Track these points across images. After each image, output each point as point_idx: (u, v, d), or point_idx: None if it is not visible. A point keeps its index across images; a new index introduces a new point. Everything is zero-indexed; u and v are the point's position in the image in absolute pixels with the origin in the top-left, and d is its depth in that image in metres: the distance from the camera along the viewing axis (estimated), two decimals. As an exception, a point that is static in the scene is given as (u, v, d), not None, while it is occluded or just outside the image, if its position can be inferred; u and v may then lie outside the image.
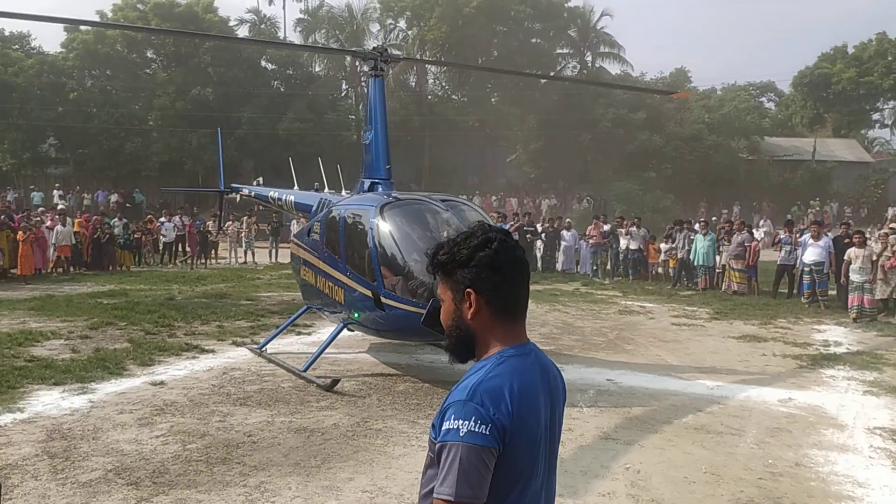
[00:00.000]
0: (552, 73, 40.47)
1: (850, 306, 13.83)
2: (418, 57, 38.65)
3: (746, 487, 5.70)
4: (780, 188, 40.57)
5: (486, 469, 1.75)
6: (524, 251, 2.03)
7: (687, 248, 18.30)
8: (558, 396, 2.03)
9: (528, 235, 20.19)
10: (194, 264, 22.15)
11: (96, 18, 37.22)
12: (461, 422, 1.76)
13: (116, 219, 22.21)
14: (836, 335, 12.40)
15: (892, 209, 34.42)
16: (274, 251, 23.67)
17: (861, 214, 36.53)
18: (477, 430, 1.75)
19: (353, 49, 12.77)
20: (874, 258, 13.75)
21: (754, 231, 19.80)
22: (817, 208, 36.19)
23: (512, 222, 20.90)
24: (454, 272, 1.95)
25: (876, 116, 48.23)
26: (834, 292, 15.42)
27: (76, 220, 21.01)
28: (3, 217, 17.86)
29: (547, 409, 1.93)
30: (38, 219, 19.42)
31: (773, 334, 12.35)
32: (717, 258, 17.60)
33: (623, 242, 19.91)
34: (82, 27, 36.32)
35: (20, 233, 16.97)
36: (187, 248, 23.17)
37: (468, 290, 1.92)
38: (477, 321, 1.93)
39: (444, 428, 1.79)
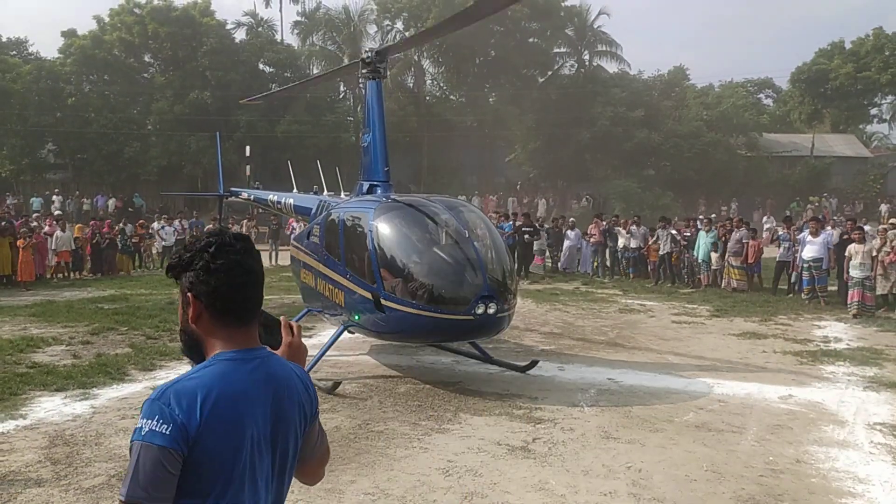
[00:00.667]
0: (549, 74, 40.51)
1: (849, 302, 13.86)
2: (415, 57, 38.68)
3: (747, 485, 5.72)
4: (778, 184, 40.59)
5: (163, 470, 1.72)
6: (252, 255, 1.98)
7: (676, 243, 18.37)
8: (290, 407, 1.98)
9: (526, 236, 20.14)
10: None
11: (93, 23, 37.37)
12: (145, 420, 1.75)
13: (121, 223, 22.33)
14: (837, 331, 12.41)
15: (885, 205, 34.46)
16: (273, 254, 23.69)
17: (857, 209, 36.57)
18: (158, 429, 1.73)
19: (348, 63, 12.84)
20: (874, 254, 13.78)
21: (762, 227, 19.81)
22: (817, 203, 36.20)
23: (512, 222, 20.91)
24: (180, 276, 1.95)
25: (874, 111, 48.24)
26: (834, 288, 15.44)
27: (77, 226, 21.09)
28: (3, 223, 17.87)
29: (266, 418, 1.89)
30: (36, 224, 19.45)
31: (773, 331, 12.36)
32: (714, 255, 17.56)
33: (622, 241, 19.92)
34: (79, 31, 36.43)
35: (20, 239, 16.99)
36: None
37: (188, 293, 1.92)
38: (199, 325, 1.93)
39: (135, 427, 1.78)
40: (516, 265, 16.36)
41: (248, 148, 20.38)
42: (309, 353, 8.15)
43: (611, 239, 20.26)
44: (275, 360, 2.00)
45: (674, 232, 18.72)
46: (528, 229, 20.34)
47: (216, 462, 1.79)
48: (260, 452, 1.89)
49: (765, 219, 30.24)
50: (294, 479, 2.14)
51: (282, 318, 2.18)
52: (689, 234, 18.55)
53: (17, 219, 21.09)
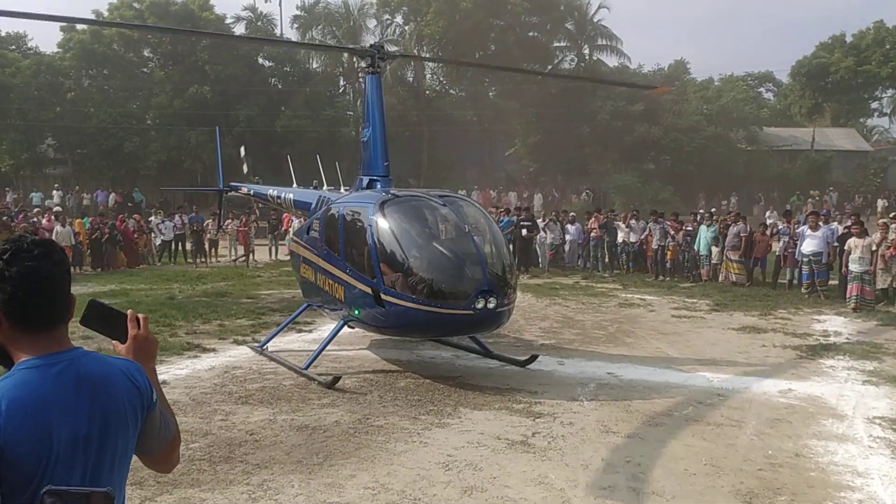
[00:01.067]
0: (549, 68, 40.43)
1: (848, 296, 13.87)
2: (416, 53, 38.62)
3: (746, 479, 5.74)
4: (778, 178, 40.57)
5: None
6: (52, 260, 1.95)
7: (672, 238, 18.38)
8: (114, 403, 1.96)
9: (524, 231, 20.07)
10: (248, 262, 22.25)
11: (93, 17, 37.25)
12: None
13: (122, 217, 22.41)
14: (836, 325, 12.42)
15: (882, 201, 34.44)
16: (273, 248, 23.70)
17: (856, 201, 36.56)
18: None
19: (350, 46, 12.79)
20: (873, 248, 13.78)
21: (767, 222, 19.83)
22: (817, 198, 36.19)
23: (515, 216, 20.87)
24: None
25: (874, 105, 48.27)
26: (835, 282, 15.43)
27: (78, 221, 21.10)
28: (3, 218, 17.88)
29: (83, 419, 1.88)
30: (36, 219, 19.46)
31: (772, 325, 12.37)
32: (714, 249, 17.56)
33: (621, 235, 19.91)
34: (79, 26, 36.36)
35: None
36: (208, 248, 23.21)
37: None
38: (0, 334, 1.91)
39: None
40: (515, 259, 16.34)
41: (242, 148, 20.33)
42: (309, 348, 8.10)
43: (609, 233, 20.24)
44: (88, 358, 1.99)
45: (668, 227, 18.72)
46: (526, 223, 20.30)
47: (19, 470, 1.77)
48: (74, 455, 1.86)
49: (767, 213, 30.21)
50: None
51: (129, 311, 2.18)
52: (690, 228, 18.54)
53: (16, 214, 21.09)
